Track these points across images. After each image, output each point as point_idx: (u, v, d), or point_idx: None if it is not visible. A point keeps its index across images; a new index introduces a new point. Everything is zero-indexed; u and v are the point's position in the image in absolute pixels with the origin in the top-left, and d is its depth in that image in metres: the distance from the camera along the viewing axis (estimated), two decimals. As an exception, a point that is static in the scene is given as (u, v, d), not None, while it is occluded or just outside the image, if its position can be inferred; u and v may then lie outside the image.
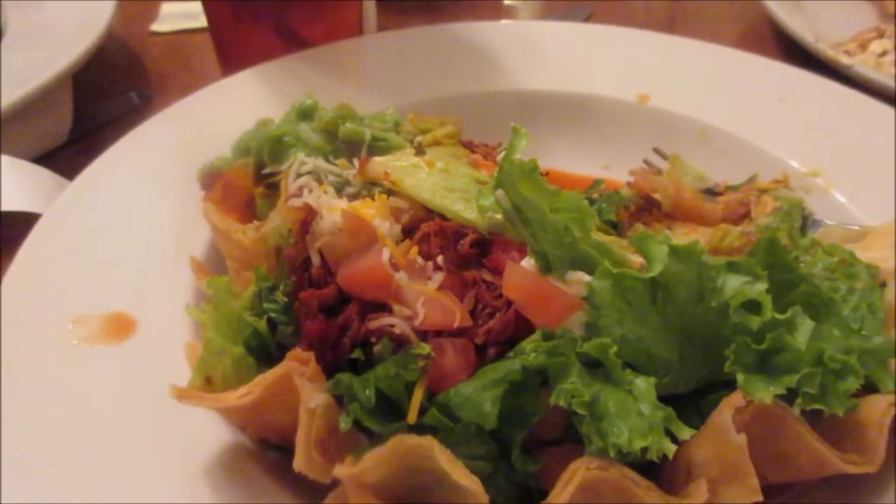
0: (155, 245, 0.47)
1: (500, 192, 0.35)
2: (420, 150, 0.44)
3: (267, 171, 0.46)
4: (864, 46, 0.75)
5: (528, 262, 0.36)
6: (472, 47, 0.66)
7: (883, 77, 0.68)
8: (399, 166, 0.42)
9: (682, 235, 0.52)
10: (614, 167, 0.61)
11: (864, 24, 0.83)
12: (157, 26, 0.87)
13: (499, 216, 0.38)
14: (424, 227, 0.38)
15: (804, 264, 0.44)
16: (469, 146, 0.48)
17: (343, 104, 0.47)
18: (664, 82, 0.62)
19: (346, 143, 0.45)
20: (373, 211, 0.40)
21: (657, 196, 0.54)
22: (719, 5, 0.92)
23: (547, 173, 0.52)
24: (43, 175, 0.53)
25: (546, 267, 0.35)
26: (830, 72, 0.71)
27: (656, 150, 0.59)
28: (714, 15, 0.91)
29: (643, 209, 0.55)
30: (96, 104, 0.72)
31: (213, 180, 0.45)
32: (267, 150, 0.46)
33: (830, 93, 0.60)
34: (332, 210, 0.39)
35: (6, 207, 0.49)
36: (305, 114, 0.47)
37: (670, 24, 0.89)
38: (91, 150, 0.67)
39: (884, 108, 0.58)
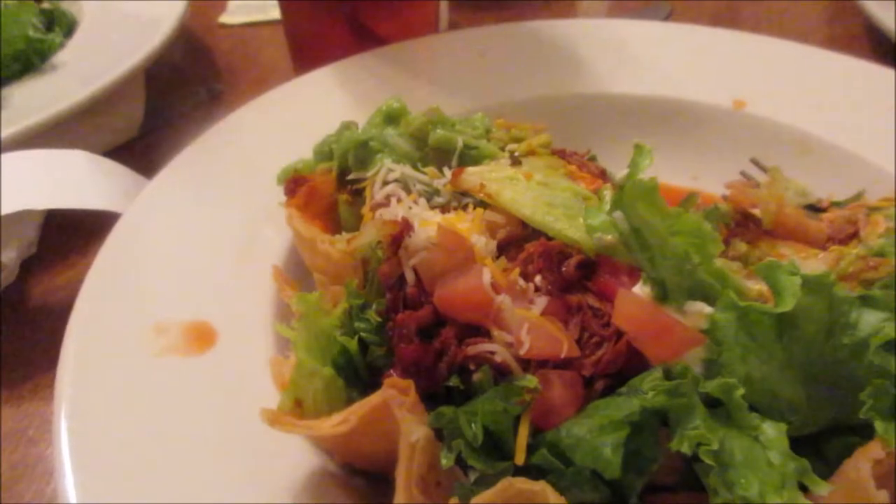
0: (232, 250, 0.45)
1: (618, 213, 0.32)
2: (515, 161, 0.42)
3: (351, 177, 0.43)
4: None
5: (640, 289, 0.33)
6: (552, 47, 0.63)
7: None
8: (495, 178, 0.39)
9: (788, 254, 0.48)
10: (704, 178, 0.58)
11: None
12: (225, 18, 0.86)
13: (608, 237, 0.35)
14: (529, 246, 0.36)
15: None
16: (563, 155, 0.46)
17: (433, 108, 0.45)
18: (761, 87, 0.58)
19: (435, 150, 0.43)
20: (468, 225, 0.37)
21: (756, 212, 0.50)
22: (807, 4, 0.88)
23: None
24: (121, 172, 0.52)
25: (662, 295, 0.33)
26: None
27: (754, 161, 0.55)
28: (802, 13, 0.86)
29: (741, 225, 0.51)
30: (167, 98, 0.71)
31: (295, 185, 0.43)
32: (352, 155, 0.44)
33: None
34: (427, 223, 0.37)
35: (87, 206, 0.48)
36: (392, 117, 0.45)
37: (756, 25, 0.85)
38: (162, 144, 0.66)
39: None
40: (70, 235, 0.55)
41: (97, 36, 0.69)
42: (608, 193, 0.37)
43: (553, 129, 0.57)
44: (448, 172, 0.41)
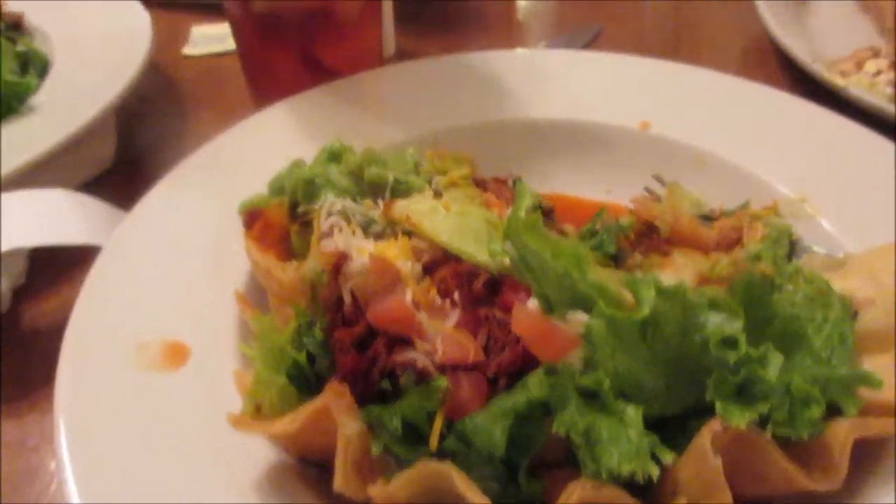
0: (202, 275, 0.52)
1: (507, 243, 0.40)
2: (438, 193, 0.49)
3: (301, 210, 0.51)
4: (859, 65, 0.79)
5: (532, 303, 0.41)
6: (484, 77, 0.70)
7: (876, 99, 0.72)
8: (419, 210, 0.47)
9: (680, 260, 0.56)
10: (617, 191, 0.66)
11: (864, 40, 0.86)
12: (188, 50, 0.92)
13: (507, 260, 0.42)
14: (442, 270, 0.43)
15: (787, 291, 0.49)
16: (482, 185, 0.53)
17: (368, 149, 0.52)
18: (665, 110, 0.66)
19: (370, 185, 0.50)
20: (396, 251, 0.45)
21: (657, 223, 0.59)
22: (724, 23, 0.96)
23: (554, 198, 0.58)
24: (99, 207, 0.58)
25: (548, 307, 0.40)
26: (830, 91, 0.75)
27: (656, 177, 0.63)
28: (719, 31, 0.94)
29: (643, 235, 0.59)
30: (137, 129, 0.78)
31: (252, 219, 0.50)
32: (301, 190, 0.51)
33: (823, 121, 0.63)
34: (361, 252, 0.44)
35: (70, 242, 0.54)
36: (335, 155, 0.52)
37: (676, 41, 0.93)
38: (134, 176, 0.73)
39: (876, 138, 0.61)
40: (56, 265, 0.62)
41: (70, 76, 0.74)
42: (509, 224, 0.44)
43: (484, 154, 0.65)
44: (381, 204, 0.49)
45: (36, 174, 0.62)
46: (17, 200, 0.56)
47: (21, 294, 0.61)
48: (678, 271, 0.51)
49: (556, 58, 0.72)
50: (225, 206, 0.55)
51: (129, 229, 0.54)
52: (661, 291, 0.39)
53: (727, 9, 0.98)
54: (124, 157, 0.74)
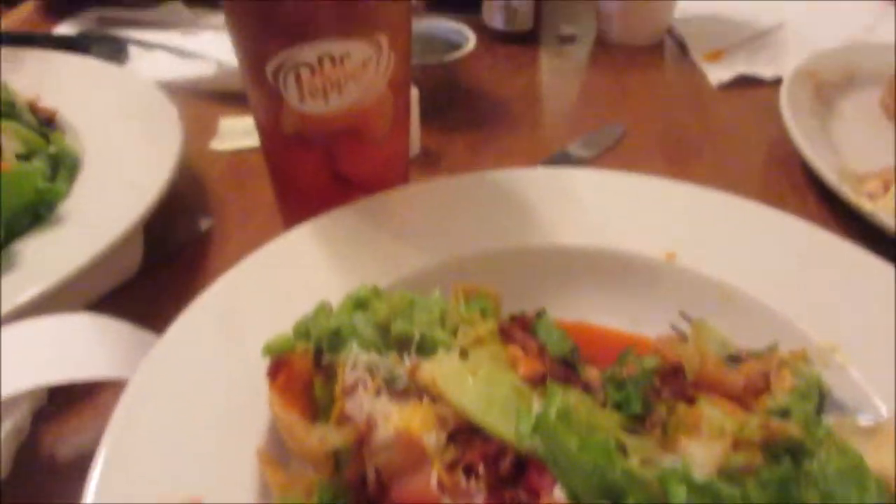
0: (225, 422, 0.52)
1: (537, 438, 0.40)
2: (464, 354, 0.49)
3: (325, 360, 0.51)
4: (886, 186, 0.78)
5: (559, 493, 0.40)
6: (509, 198, 0.70)
7: (905, 230, 0.71)
8: (445, 374, 0.46)
9: (708, 412, 0.55)
10: (642, 321, 0.65)
11: (889, 149, 0.86)
12: (215, 144, 0.93)
13: (533, 442, 0.42)
14: (469, 451, 0.43)
15: (819, 461, 0.48)
16: (508, 334, 0.53)
17: (395, 301, 0.52)
18: (692, 239, 0.66)
19: (397, 338, 0.50)
20: (421, 420, 0.44)
21: (684, 365, 0.58)
22: (747, 128, 0.96)
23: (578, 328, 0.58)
24: (125, 332, 0.58)
25: (575, 499, 0.40)
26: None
27: (682, 314, 0.63)
28: (742, 136, 0.94)
29: (668, 377, 0.59)
30: (164, 231, 0.78)
31: (277, 368, 0.50)
32: (326, 340, 0.51)
33: (858, 262, 0.62)
34: (387, 420, 0.44)
35: (93, 376, 0.54)
36: (361, 303, 0.52)
37: (700, 144, 0.93)
38: (161, 282, 0.73)
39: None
40: (76, 385, 0.62)
41: (100, 180, 0.75)
42: (536, 403, 0.44)
43: (509, 279, 0.65)
44: (408, 359, 0.49)
45: (60, 288, 0.63)
46: (35, 331, 0.56)
47: (41, 414, 0.61)
48: (709, 435, 0.50)
49: (582, 178, 0.72)
50: (249, 342, 0.55)
51: (150, 371, 0.54)
52: (693, 486, 0.39)
53: (751, 114, 0.98)
54: (148, 261, 0.74)
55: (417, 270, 0.64)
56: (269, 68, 0.63)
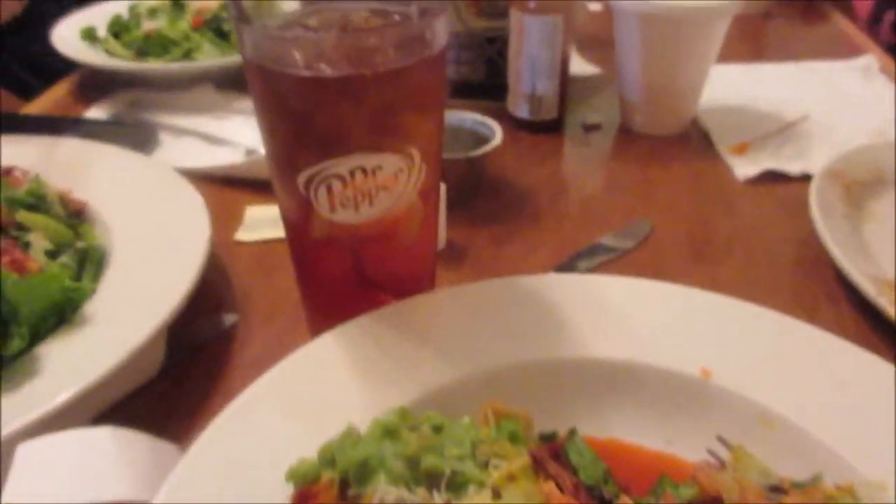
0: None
1: None
2: (497, 494, 0.47)
3: (352, 493, 0.49)
4: (925, 295, 0.76)
5: None
6: (537, 306, 0.69)
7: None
8: (478, 518, 0.44)
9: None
10: (677, 442, 0.63)
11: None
12: (241, 235, 0.93)
13: None
14: None
15: None
16: (540, 464, 0.51)
17: (424, 433, 0.50)
18: (728, 356, 0.64)
19: (427, 474, 0.48)
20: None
21: (723, 497, 0.55)
22: (777, 227, 0.95)
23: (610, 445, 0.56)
24: (148, 447, 0.57)
25: None
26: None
27: (720, 439, 0.60)
28: (773, 236, 0.93)
29: (707, 507, 0.56)
30: (186, 328, 0.77)
31: (303, 500, 0.48)
32: (353, 471, 0.49)
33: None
34: (416, 570, 0.42)
35: (114, 498, 0.53)
36: (390, 430, 0.51)
37: (729, 242, 0.92)
38: (182, 383, 0.72)
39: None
40: None
41: (127, 279, 0.75)
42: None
43: (538, 393, 0.63)
44: (438, 496, 0.47)
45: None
46: (57, 445, 0.55)
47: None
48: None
49: (614, 286, 0.71)
50: (272, 465, 0.54)
51: (173, 492, 0.53)
52: None
53: (780, 211, 0.98)
54: (172, 362, 0.73)
55: (445, 384, 0.63)
56: (301, 179, 0.63)
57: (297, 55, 0.59)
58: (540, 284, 0.72)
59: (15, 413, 0.58)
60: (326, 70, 0.59)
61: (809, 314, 0.78)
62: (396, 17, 0.67)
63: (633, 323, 0.68)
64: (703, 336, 0.66)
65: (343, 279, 0.71)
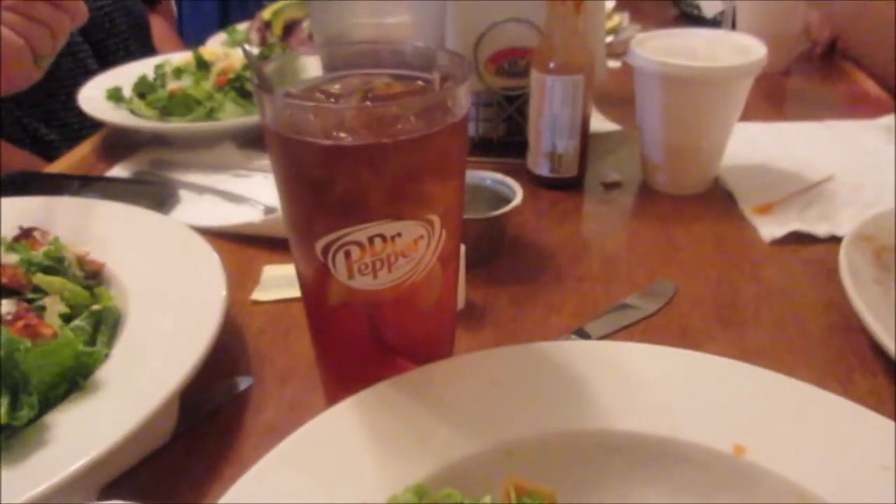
0: None
1: None
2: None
3: (367, 580, 0.46)
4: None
5: None
6: (559, 374, 0.67)
7: None
8: None
9: None
10: (710, 523, 0.60)
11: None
12: (257, 295, 0.92)
13: None
14: None
15: None
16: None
17: (446, 515, 0.48)
18: (761, 432, 0.61)
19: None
20: None
21: (759, 587, 0.52)
22: (804, 287, 0.92)
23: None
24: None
25: None
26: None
27: (756, 523, 0.57)
28: (801, 298, 0.91)
29: None
30: (199, 392, 0.76)
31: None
32: (368, 557, 0.46)
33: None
34: None
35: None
36: (407, 512, 0.48)
37: (756, 306, 0.90)
38: (194, 450, 0.70)
39: None
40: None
41: (141, 343, 0.74)
42: None
43: (559, 466, 0.61)
44: (458, 587, 0.44)
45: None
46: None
47: None
48: None
49: (640, 353, 0.69)
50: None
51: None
52: None
53: (808, 274, 0.95)
54: (184, 427, 0.71)
55: (464, 458, 0.60)
56: (318, 246, 0.62)
57: (317, 124, 0.59)
58: (562, 351, 0.69)
59: (20, 486, 0.56)
60: (347, 139, 0.58)
61: (844, 385, 0.75)
62: (419, 83, 0.67)
63: (661, 394, 0.65)
64: (735, 409, 0.63)
65: (360, 344, 0.70)
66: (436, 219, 0.63)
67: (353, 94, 0.66)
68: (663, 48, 1.11)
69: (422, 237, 0.62)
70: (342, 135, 0.59)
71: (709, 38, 1.16)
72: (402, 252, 0.62)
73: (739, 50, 1.10)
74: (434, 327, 0.72)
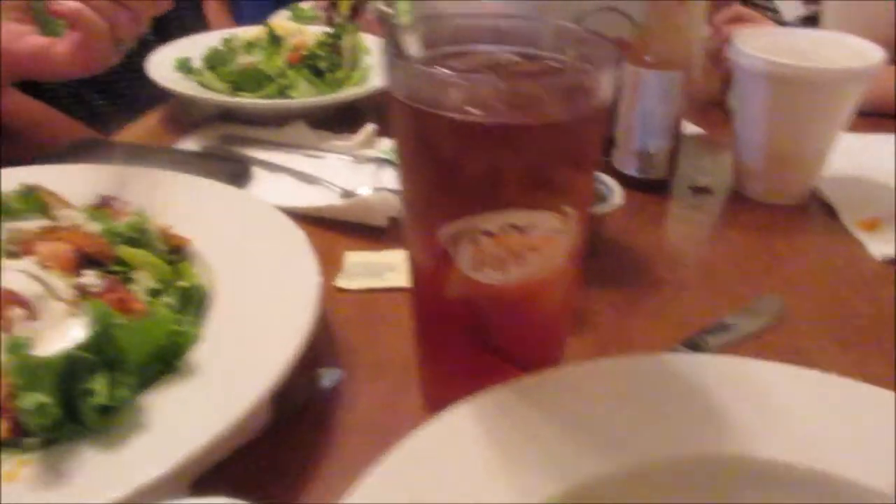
0: None
1: None
2: None
3: None
4: None
5: None
6: (688, 390, 0.61)
7: None
8: None
9: None
10: (864, 568, 0.54)
11: None
12: (341, 282, 0.87)
13: None
14: None
15: None
16: None
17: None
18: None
19: None
20: None
21: None
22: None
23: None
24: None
25: None
26: None
27: (926, 573, 0.52)
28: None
29: None
30: (290, 385, 0.71)
31: None
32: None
33: None
34: None
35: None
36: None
37: (875, 328, 0.84)
38: (286, 445, 0.65)
39: None
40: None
41: (233, 325, 0.69)
42: None
43: (693, 493, 0.55)
44: None
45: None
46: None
47: None
48: None
49: (776, 373, 0.63)
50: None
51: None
52: None
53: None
54: (276, 422, 0.67)
55: (593, 476, 0.55)
56: (445, 232, 0.57)
57: (457, 97, 0.54)
58: (689, 365, 0.64)
59: (113, 477, 0.51)
60: (488, 116, 0.53)
61: None
62: (551, 63, 0.62)
63: (809, 421, 0.59)
64: (890, 444, 0.57)
65: (468, 343, 0.64)
66: (571, 210, 0.57)
67: (479, 69, 0.61)
68: (769, 46, 1.04)
69: (556, 230, 0.57)
70: (481, 112, 0.53)
71: (814, 38, 1.09)
72: (535, 245, 0.57)
73: (853, 52, 1.04)
74: (551, 331, 0.67)
